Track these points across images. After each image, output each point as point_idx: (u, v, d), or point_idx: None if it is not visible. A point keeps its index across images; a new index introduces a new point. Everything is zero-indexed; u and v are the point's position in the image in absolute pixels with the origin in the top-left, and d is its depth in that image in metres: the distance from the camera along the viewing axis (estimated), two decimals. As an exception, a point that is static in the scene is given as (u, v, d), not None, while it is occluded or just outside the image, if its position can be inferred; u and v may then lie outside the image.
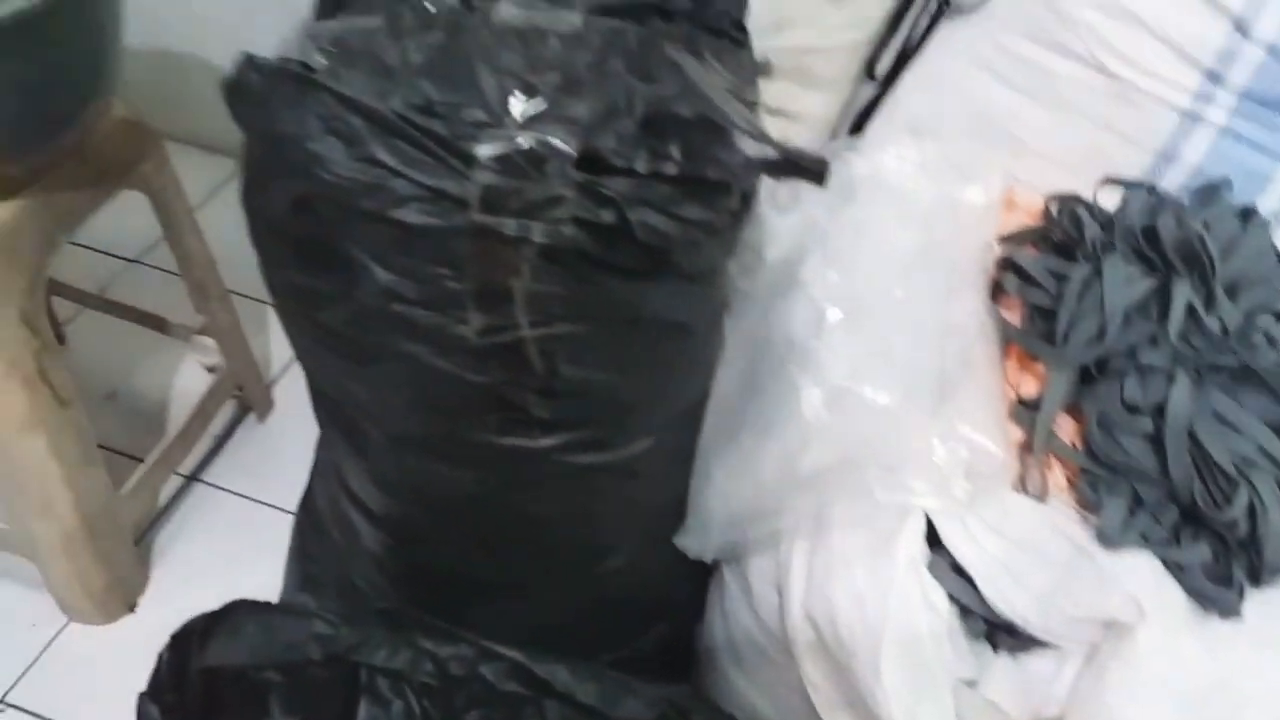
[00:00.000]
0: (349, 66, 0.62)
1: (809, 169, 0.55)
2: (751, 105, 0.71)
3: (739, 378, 0.75)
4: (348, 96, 0.55)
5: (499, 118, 0.59)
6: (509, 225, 0.56)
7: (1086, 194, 0.92)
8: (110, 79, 0.90)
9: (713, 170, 0.57)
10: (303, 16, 0.75)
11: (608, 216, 0.57)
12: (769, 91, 1.00)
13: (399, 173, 0.55)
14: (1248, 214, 0.83)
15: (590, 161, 0.57)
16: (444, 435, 0.67)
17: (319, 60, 0.62)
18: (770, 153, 0.55)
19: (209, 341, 1.19)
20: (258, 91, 0.57)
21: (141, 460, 1.11)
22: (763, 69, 0.77)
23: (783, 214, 0.77)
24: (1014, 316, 0.83)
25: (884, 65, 1.03)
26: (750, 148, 0.55)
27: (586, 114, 0.58)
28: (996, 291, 0.84)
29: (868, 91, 1.05)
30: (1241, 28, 0.87)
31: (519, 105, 0.59)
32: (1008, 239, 0.86)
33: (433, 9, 0.67)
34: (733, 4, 0.73)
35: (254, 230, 0.64)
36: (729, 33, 0.73)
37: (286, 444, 1.22)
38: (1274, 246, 0.81)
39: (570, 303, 0.60)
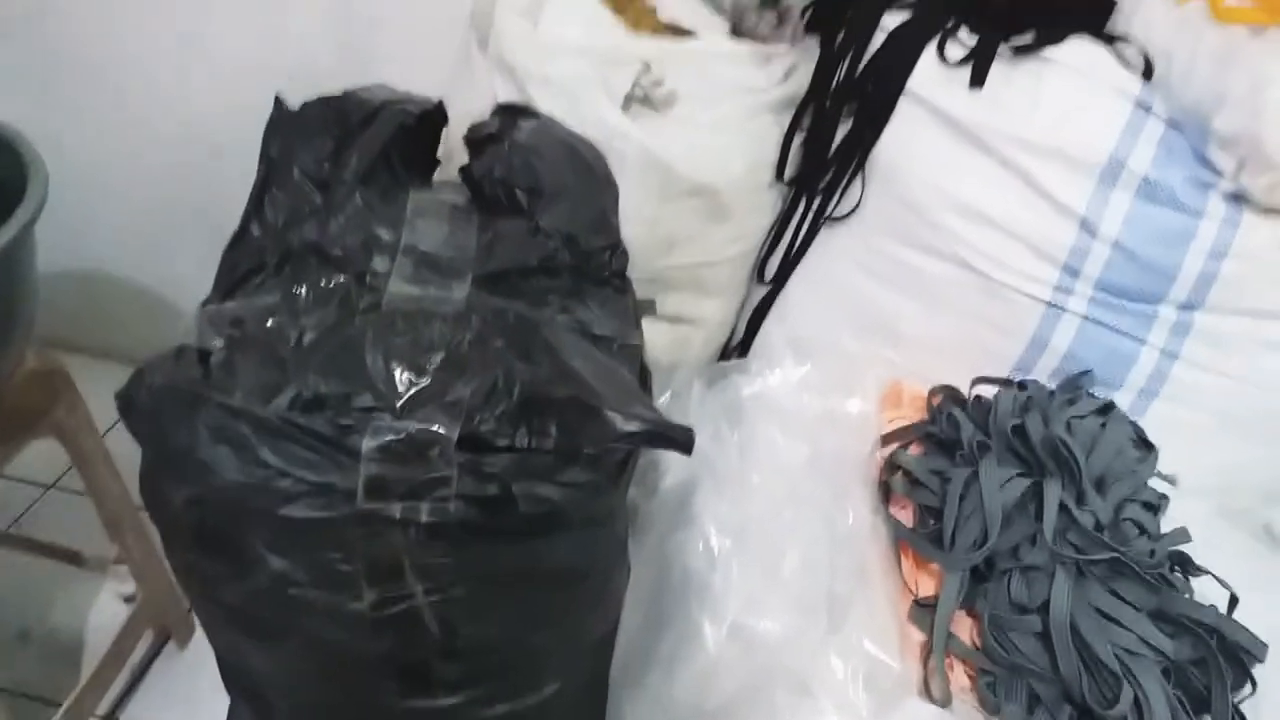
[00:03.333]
0: (244, 354, 0.65)
1: (675, 440, 0.59)
2: (635, 348, 0.76)
3: (644, 607, 0.77)
4: (235, 407, 0.58)
5: (386, 400, 0.62)
6: (395, 509, 0.59)
7: (967, 384, 0.98)
8: (22, 340, 0.92)
9: (588, 444, 0.60)
10: (218, 234, 0.78)
11: (492, 490, 0.60)
12: (668, 302, 1.06)
13: (286, 473, 0.58)
14: (1107, 409, 0.89)
15: (473, 439, 0.60)
16: (347, 703, 0.68)
17: (217, 347, 0.66)
18: (639, 427, 0.58)
19: (125, 570, 1.17)
20: (148, 406, 0.60)
21: (57, 704, 1.08)
22: (646, 309, 0.82)
23: (674, 443, 0.80)
24: (906, 515, 0.86)
25: (772, 269, 1.10)
26: (620, 422, 0.59)
27: (468, 394, 0.61)
28: (889, 492, 0.88)
29: (760, 291, 1.12)
30: (1088, 228, 0.95)
31: (405, 387, 0.62)
32: (893, 437, 0.90)
33: (327, 284, 0.71)
34: (613, 257, 0.78)
35: (152, 516, 0.65)
36: (611, 282, 0.78)
37: (210, 670, 1.19)
38: (1132, 438, 0.87)
39: (462, 569, 0.62)
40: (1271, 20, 0.92)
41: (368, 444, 0.58)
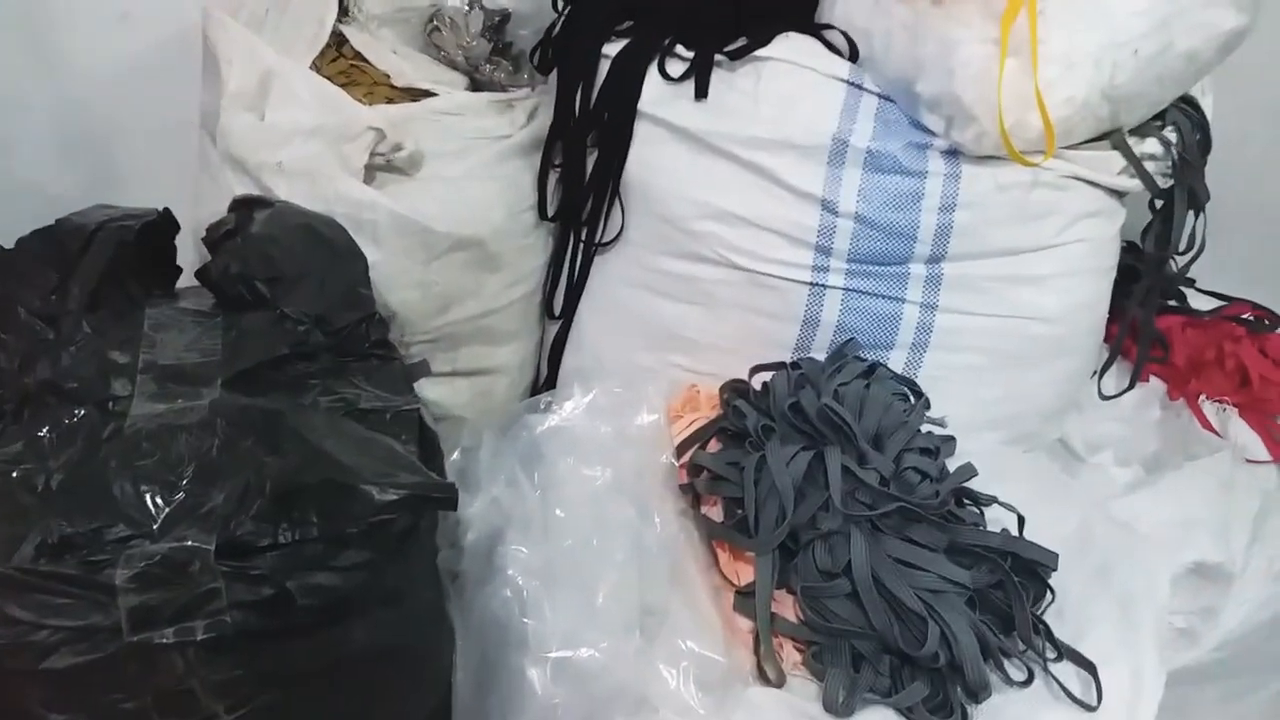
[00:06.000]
0: (-15, 513, 0.62)
1: (439, 498, 0.59)
2: (409, 414, 0.76)
3: (474, 671, 0.77)
4: (-36, 569, 0.56)
5: (142, 526, 0.60)
6: (167, 634, 0.57)
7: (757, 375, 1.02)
8: None
9: (350, 523, 0.60)
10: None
11: (267, 591, 0.59)
12: (461, 357, 1.07)
13: (40, 625, 0.56)
14: (870, 371, 0.95)
15: (235, 545, 0.59)
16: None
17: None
18: (398, 494, 0.59)
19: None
20: None
21: None
22: (420, 371, 0.82)
23: (470, 495, 0.81)
24: (716, 511, 0.89)
25: (559, 303, 1.12)
26: (377, 494, 0.59)
27: (222, 501, 0.60)
28: (697, 493, 0.90)
29: (554, 327, 1.14)
30: (829, 207, 1.01)
31: (157, 509, 0.60)
32: (692, 440, 0.93)
33: (70, 420, 0.69)
34: (370, 328, 0.78)
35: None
36: (373, 354, 0.78)
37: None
38: (897, 393, 0.93)
39: (259, 678, 0.61)
40: (948, -11, 1.00)
41: (121, 575, 0.57)
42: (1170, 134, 1.05)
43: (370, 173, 0.98)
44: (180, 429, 0.65)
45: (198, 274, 0.81)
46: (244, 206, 0.86)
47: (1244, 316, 1.31)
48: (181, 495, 0.61)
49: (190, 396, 0.69)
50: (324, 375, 0.75)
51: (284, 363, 0.74)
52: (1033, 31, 0.93)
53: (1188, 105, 1.08)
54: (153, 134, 1.19)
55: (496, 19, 1.15)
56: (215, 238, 0.84)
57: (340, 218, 0.92)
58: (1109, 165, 1.03)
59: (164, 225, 0.83)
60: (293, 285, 0.77)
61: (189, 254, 0.94)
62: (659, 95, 1.03)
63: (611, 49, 1.05)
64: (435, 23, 1.14)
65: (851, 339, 1.00)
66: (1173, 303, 1.33)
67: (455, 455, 0.85)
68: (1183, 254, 1.14)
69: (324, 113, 0.97)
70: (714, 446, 0.93)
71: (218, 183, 0.97)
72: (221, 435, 0.64)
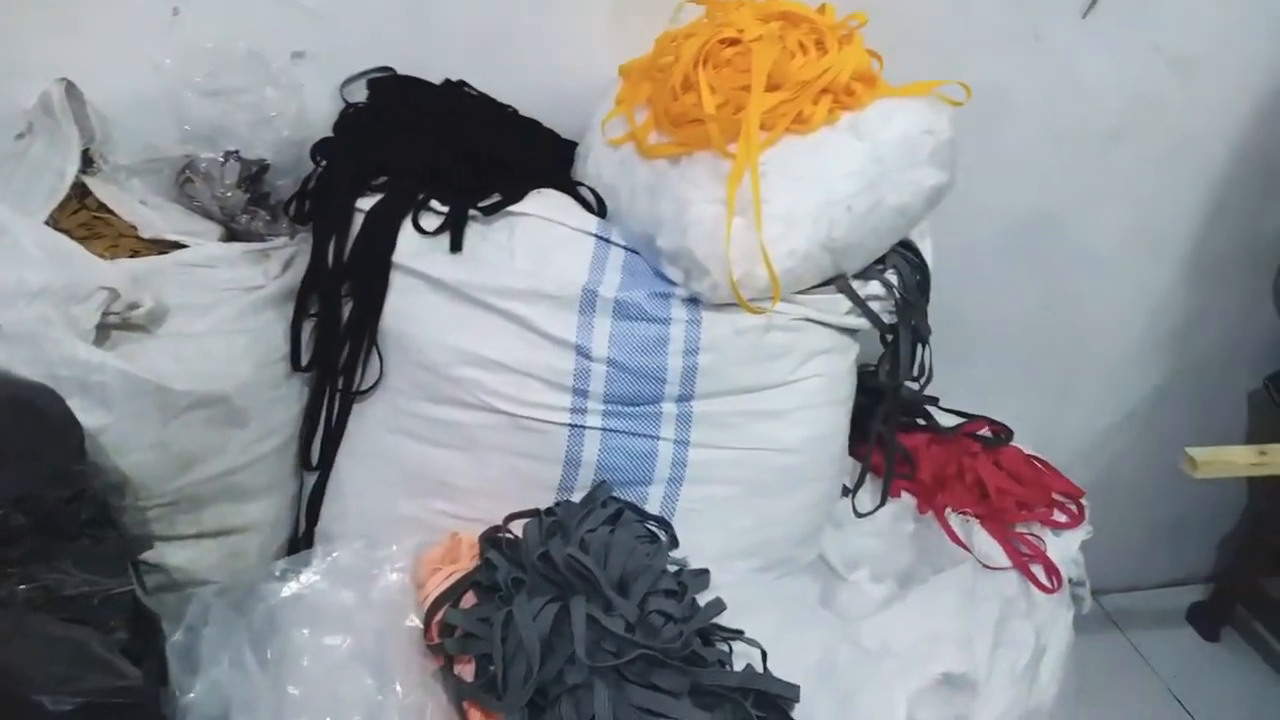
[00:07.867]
0: None
1: (122, 703, 0.56)
2: (122, 596, 0.72)
3: None
4: None
5: None
6: None
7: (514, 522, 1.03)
8: None
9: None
10: None
11: (-80, 823, 0.54)
12: (206, 517, 1.02)
13: None
14: (618, 515, 0.98)
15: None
16: None
17: None
18: (74, 704, 0.55)
19: None
20: None
21: None
22: (141, 545, 0.78)
23: (192, 678, 0.77)
24: (470, 671, 0.88)
25: (316, 453, 1.10)
26: (50, 704, 0.55)
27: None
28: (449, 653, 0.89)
29: (312, 478, 1.11)
30: (583, 353, 1.05)
31: None
32: (445, 596, 0.92)
33: None
34: (83, 505, 0.74)
35: None
36: (85, 534, 0.74)
37: None
38: (641, 536, 0.96)
39: None
40: (685, 150, 1.08)
41: None
42: (891, 276, 1.16)
43: (105, 331, 0.94)
44: None
45: (-117, 456, 0.75)
46: (-52, 377, 0.81)
47: (981, 432, 1.44)
48: None
49: None
50: (26, 561, 0.70)
51: (-19, 548, 0.69)
52: (755, 193, 1.02)
53: (907, 250, 1.19)
54: None
55: (254, 169, 1.15)
56: (-88, 412, 0.78)
57: (65, 382, 0.88)
58: (837, 306, 1.12)
59: None
60: (-7, 465, 0.73)
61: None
62: (414, 248, 1.06)
63: (366, 203, 1.07)
64: (188, 173, 1.13)
65: (603, 482, 1.03)
66: (921, 421, 1.44)
67: (178, 635, 0.81)
68: (916, 379, 1.24)
69: (53, 271, 0.93)
70: (469, 600, 0.92)
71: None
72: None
